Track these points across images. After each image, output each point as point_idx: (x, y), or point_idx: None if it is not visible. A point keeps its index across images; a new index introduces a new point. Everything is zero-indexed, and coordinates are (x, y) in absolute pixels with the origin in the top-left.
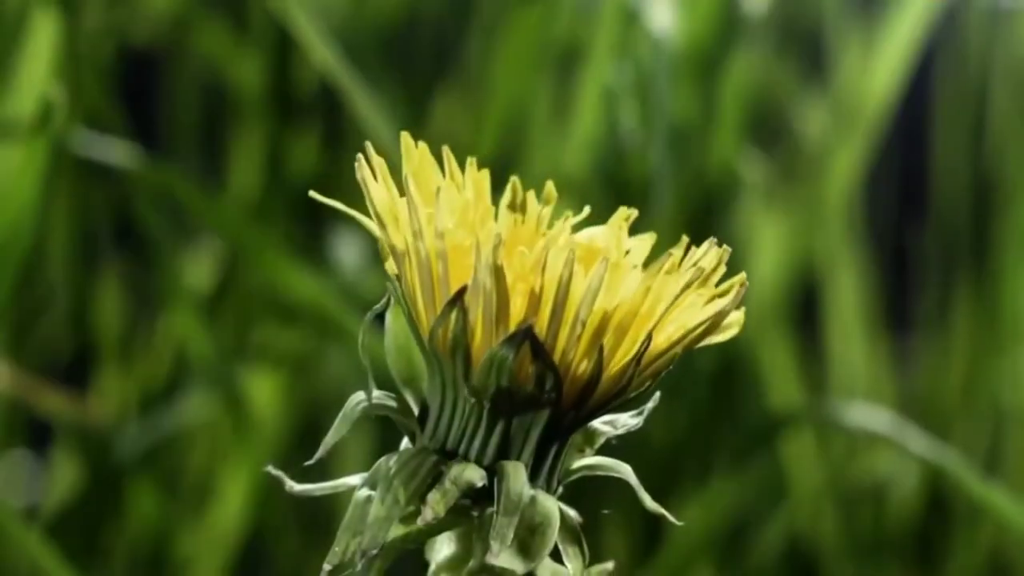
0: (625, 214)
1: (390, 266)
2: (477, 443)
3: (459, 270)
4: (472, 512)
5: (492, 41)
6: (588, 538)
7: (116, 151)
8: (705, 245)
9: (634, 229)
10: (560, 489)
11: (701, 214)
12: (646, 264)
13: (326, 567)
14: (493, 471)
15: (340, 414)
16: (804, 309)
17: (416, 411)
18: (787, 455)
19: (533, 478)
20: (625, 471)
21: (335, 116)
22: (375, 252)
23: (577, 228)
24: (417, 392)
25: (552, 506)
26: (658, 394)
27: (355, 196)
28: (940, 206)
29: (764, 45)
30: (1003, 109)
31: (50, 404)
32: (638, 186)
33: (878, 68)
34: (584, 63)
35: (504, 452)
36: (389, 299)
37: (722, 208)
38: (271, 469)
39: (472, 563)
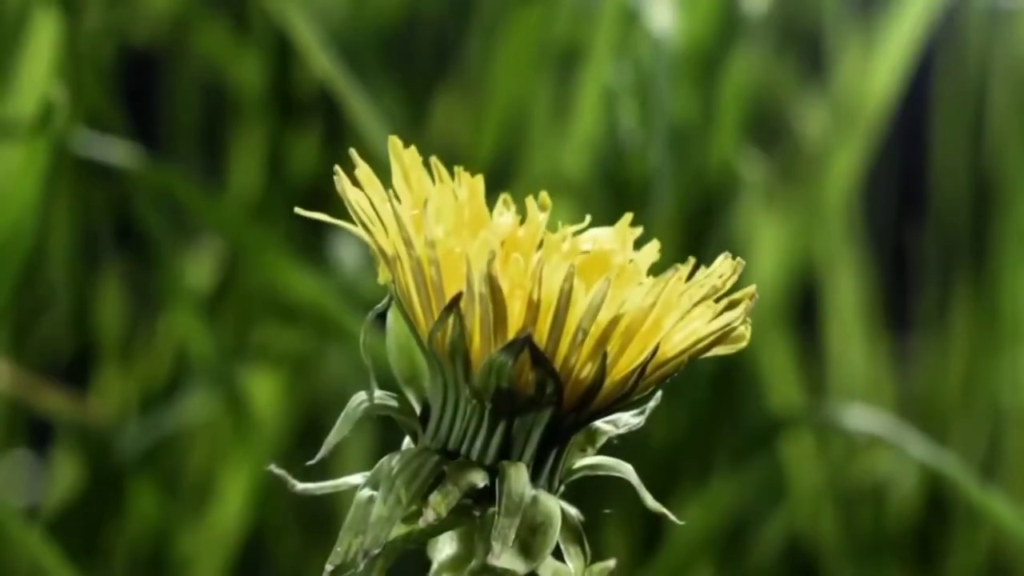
0: (630, 220)
1: (383, 272)
2: (479, 443)
3: (453, 274)
4: (474, 512)
5: (492, 41)
6: (588, 537)
7: (117, 151)
8: (720, 259)
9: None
10: (562, 488)
11: (701, 214)
12: (650, 270)
13: (328, 567)
14: (495, 471)
15: (342, 414)
16: (803, 309)
17: (418, 411)
18: (787, 455)
19: (535, 478)
20: (627, 471)
21: (335, 116)
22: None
23: (579, 232)
24: (419, 391)
25: (554, 506)
26: (659, 393)
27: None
28: (939, 206)
29: (764, 45)
30: (1002, 109)
31: (51, 404)
32: (638, 186)
33: (878, 68)
34: (584, 63)
35: (506, 452)
36: (390, 299)
37: (722, 208)
38: (273, 468)
39: (474, 563)
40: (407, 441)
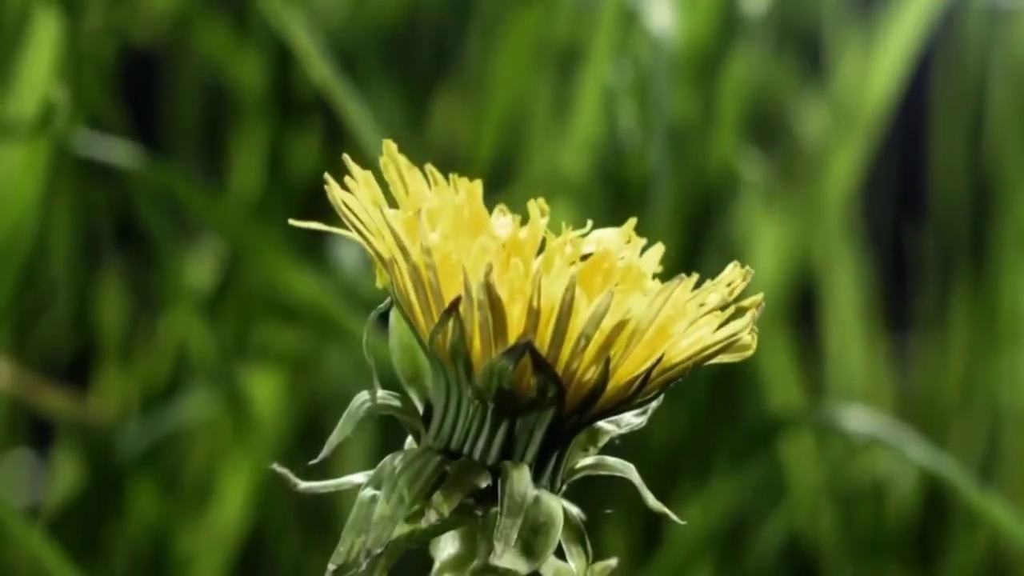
0: (634, 224)
1: (381, 275)
2: (481, 443)
3: (452, 277)
4: (476, 511)
5: (492, 41)
6: (588, 537)
7: (117, 151)
8: (729, 267)
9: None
10: (564, 488)
11: (700, 214)
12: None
13: (331, 566)
14: (497, 471)
15: (344, 413)
16: (803, 308)
17: (421, 410)
18: (786, 454)
19: (537, 478)
20: (629, 471)
21: (336, 116)
22: None
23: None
24: (422, 391)
25: (556, 506)
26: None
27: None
28: (938, 206)
29: (763, 45)
30: (1001, 109)
31: (51, 403)
32: (637, 186)
33: (877, 68)
34: (584, 63)
35: (508, 452)
36: (392, 299)
37: (721, 208)
38: (276, 467)
39: (476, 562)
40: (409, 441)
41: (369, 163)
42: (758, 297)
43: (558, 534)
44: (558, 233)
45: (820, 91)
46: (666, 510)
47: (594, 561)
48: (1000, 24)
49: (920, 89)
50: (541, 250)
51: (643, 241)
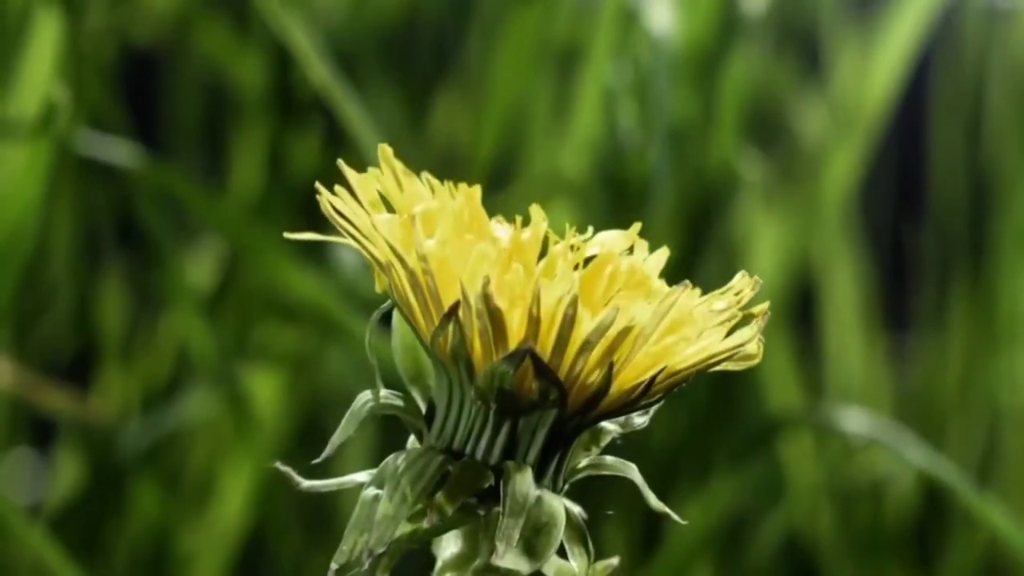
0: (638, 228)
1: (380, 280)
2: (483, 443)
3: (450, 283)
4: (478, 511)
5: (492, 41)
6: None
7: (118, 151)
8: (738, 276)
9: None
10: (566, 487)
11: (700, 213)
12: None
13: (334, 565)
14: (499, 471)
15: (348, 413)
16: (802, 308)
17: (423, 410)
18: (785, 454)
19: (539, 477)
20: (631, 471)
21: (336, 116)
22: None
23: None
24: (424, 390)
25: (558, 506)
26: None
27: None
28: (937, 205)
29: (762, 45)
30: (1000, 109)
31: (53, 402)
32: (637, 185)
33: (876, 68)
34: (584, 63)
35: (510, 452)
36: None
37: (721, 207)
38: (279, 465)
39: (478, 562)
40: (412, 440)
41: (368, 165)
42: (764, 306)
43: (560, 534)
44: (560, 234)
45: (819, 91)
46: (668, 510)
47: (595, 560)
48: (999, 24)
49: (919, 89)
50: (543, 254)
51: (646, 244)
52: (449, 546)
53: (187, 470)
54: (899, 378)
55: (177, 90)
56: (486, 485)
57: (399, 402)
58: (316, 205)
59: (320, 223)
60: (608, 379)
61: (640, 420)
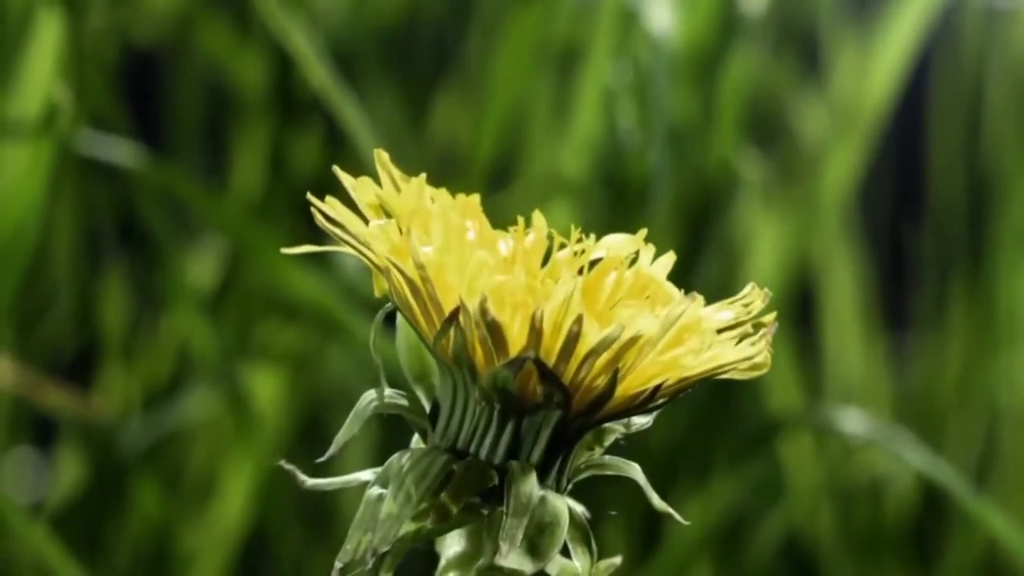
0: (644, 234)
1: (379, 284)
2: (488, 442)
3: (449, 290)
4: (482, 510)
5: (492, 41)
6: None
7: (119, 150)
8: (747, 288)
9: (632, 229)
10: (569, 487)
11: (699, 213)
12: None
13: (337, 564)
14: (503, 470)
15: (352, 412)
16: (801, 307)
17: (427, 409)
18: (785, 453)
19: (543, 477)
20: (634, 471)
21: (336, 116)
22: None
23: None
24: (429, 389)
25: (562, 506)
26: None
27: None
28: (936, 205)
29: (762, 45)
30: (999, 108)
31: (54, 401)
32: (637, 185)
33: (875, 68)
34: (584, 63)
35: (514, 452)
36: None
37: (720, 207)
38: (284, 464)
39: (482, 561)
40: (416, 439)
41: (366, 168)
42: (772, 315)
43: (563, 534)
44: (561, 235)
45: (819, 91)
46: (670, 510)
47: (598, 559)
48: (998, 24)
49: (918, 89)
50: (547, 256)
51: (653, 248)
52: (453, 545)
53: (188, 469)
54: (898, 377)
55: (178, 90)
56: (490, 485)
57: (403, 401)
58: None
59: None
60: (613, 384)
61: (643, 420)
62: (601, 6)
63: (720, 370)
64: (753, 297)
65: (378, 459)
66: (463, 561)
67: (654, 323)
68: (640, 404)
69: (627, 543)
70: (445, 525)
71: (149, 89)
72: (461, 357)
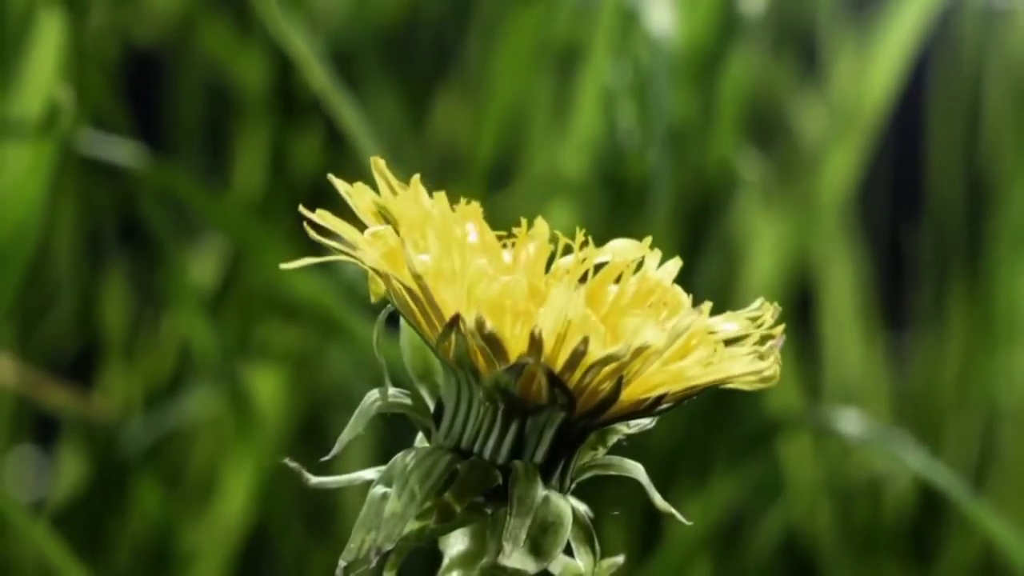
0: (649, 243)
1: (375, 287)
2: (491, 442)
3: (449, 296)
4: (486, 509)
5: (492, 41)
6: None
7: (121, 150)
8: (757, 301)
9: (632, 228)
10: (572, 486)
11: (699, 213)
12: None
13: (341, 563)
14: (507, 470)
15: (356, 411)
16: (801, 306)
17: (431, 407)
18: (784, 452)
19: (546, 477)
20: (637, 471)
21: (336, 117)
22: None
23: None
24: (433, 388)
25: (565, 506)
26: None
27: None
28: (935, 205)
29: (761, 45)
30: (997, 108)
31: (56, 400)
32: (636, 185)
33: (874, 68)
34: (583, 63)
35: (518, 451)
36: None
37: (720, 207)
38: (288, 462)
39: (485, 560)
40: (420, 438)
41: (365, 171)
42: (779, 328)
43: (567, 534)
44: (564, 235)
45: (818, 91)
46: (672, 510)
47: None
48: (996, 24)
49: (917, 88)
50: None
51: (659, 253)
52: (456, 544)
53: (189, 468)
54: (897, 376)
55: (179, 90)
56: (494, 484)
57: (407, 400)
58: (317, 205)
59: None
60: (617, 390)
61: (646, 420)
62: (601, 6)
63: (727, 381)
64: (762, 310)
65: (378, 458)
66: (466, 560)
67: (660, 335)
68: (645, 410)
69: (627, 542)
70: (449, 524)
71: (150, 89)
72: (463, 361)
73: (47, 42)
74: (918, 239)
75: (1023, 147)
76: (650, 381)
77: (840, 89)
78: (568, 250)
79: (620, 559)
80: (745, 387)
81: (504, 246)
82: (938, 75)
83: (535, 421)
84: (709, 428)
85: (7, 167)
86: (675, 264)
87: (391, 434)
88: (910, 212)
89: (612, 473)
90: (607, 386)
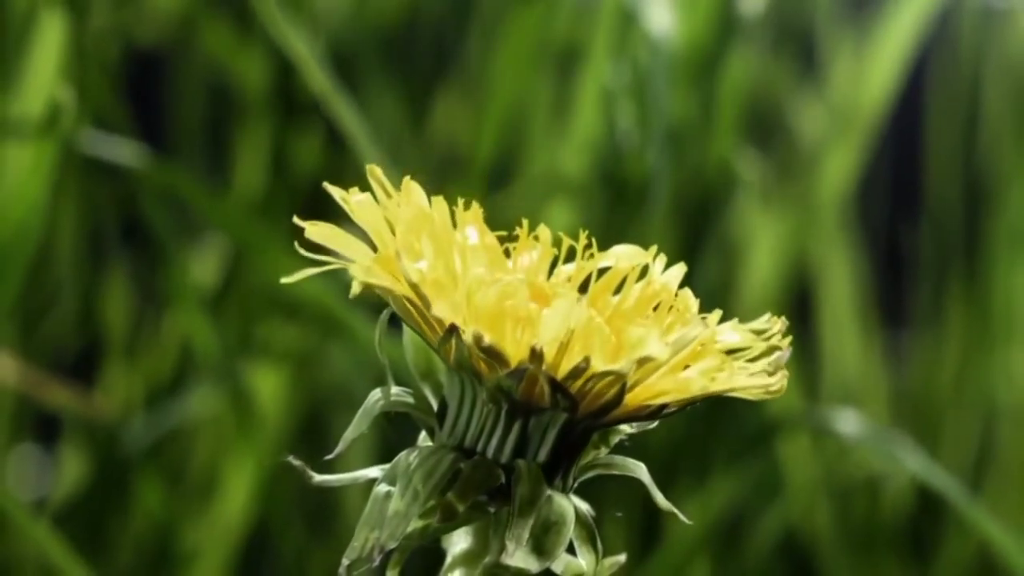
0: (655, 252)
1: (356, 286)
2: (495, 441)
3: (447, 301)
4: (489, 508)
5: (492, 41)
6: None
7: (122, 150)
8: (765, 317)
9: (631, 228)
10: (575, 485)
11: (698, 212)
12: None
13: (345, 561)
14: (510, 469)
15: (360, 409)
16: (799, 305)
17: (435, 407)
18: (783, 451)
19: (549, 477)
20: (640, 471)
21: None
22: None
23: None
24: (436, 386)
25: (567, 505)
26: None
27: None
28: (933, 205)
29: (760, 45)
30: (995, 108)
31: (58, 399)
32: (636, 185)
33: (873, 68)
34: (583, 63)
35: (521, 451)
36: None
37: (719, 207)
38: (292, 459)
39: (488, 559)
40: (423, 436)
41: (365, 171)
42: (787, 340)
43: (569, 533)
44: (569, 235)
45: (817, 91)
46: (674, 509)
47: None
48: (995, 24)
49: (916, 88)
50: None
51: (665, 258)
52: (459, 542)
53: (190, 466)
54: (895, 375)
55: (180, 90)
56: (497, 483)
57: (411, 399)
58: (318, 204)
59: (324, 220)
60: (621, 395)
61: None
62: (601, 6)
63: (734, 392)
64: (771, 325)
65: (379, 457)
66: (469, 558)
67: (663, 349)
68: (648, 415)
69: (626, 541)
70: (452, 523)
71: (151, 89)
72: (464, 364)
73: (49, 42)
74: (916, 239)
75: (1021, 147)
76: (654, 388)
77: (839, 89)
78: (571, 252)
79: (622, 558)
80: (750, 397)
81: (505, 247)
82: (937, 75)
83: (538, 421)
84: (708, 428)
85: (9, 167)
86: (679, 269)
87: (392, 433)
88: (909, 212)
89: (615, 472)
90: (611, 392)
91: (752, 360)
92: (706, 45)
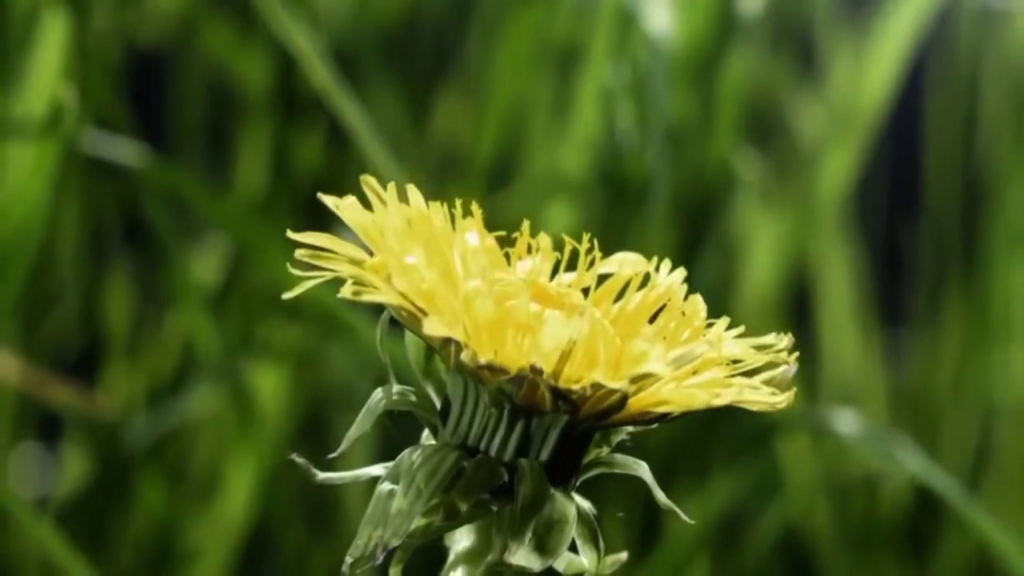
0: (658, 260)
1: (346, 288)
2: (498, 440)
3: (444, 308)
4: (491, 507)
5: (492, 41)
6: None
7: (124, 150)
8: (773, 335)
9: (631, 228)
10: (577, 484)
11: (697, 212)
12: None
13: (348, 559)
14: (513, 467)
15: (363, 408)
16: (798, 305)
17: (437, 404)
18: (782, 450)
19: (551, 475)
20: (642, 470)
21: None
22: None
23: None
24: (439, 384)
25: (569, 504)
26: None
27: (358, 193)
28: (932, 204)
29: (759, 45)
30: (994, 109)
31: (59, 397)
32: (635, 185)
33: (872, 68)
34: (583, 63)
35: (524, 450)
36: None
37: (718, 206)
38: (295, 457)
39: (490, 557)
40: (426, 435)
41: (368, 168)
42: (792, 357)
43: (571, 532)
44: (568, 234)
45: (816, 91)
46: (675, 508)
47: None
48: (993, 24)
49: (914, 88)
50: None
51: (668, 263)
52: (462, 541)
53: (192, 465)
54: (894, 374)
55: (182, 90)
56: (500, 482)
57: (414, 398)
58: (319, 204)
59: (323, 221)
60: (623, 402)
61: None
62: (601, 6)
63: (738, 403)
64: (778, 342)
65: (379, 455)
66: (472, 557)
67: (664, 367)
68: (651, 420)
69: (626, 539)
70: (455, 521)
71: (153, 89)
72: (464, 368)
73: (51, 42)
74: (915, 238)
75: (1020, 147)
76: (657, 394)
77: (838, 89)
78: (572, 255)
79: (624, 556)
80: (753, 407)
81: (505, 251)
82: (935, 75)
83: (540, 421)
84: (708, 427)
85: (11, 167)
86: (680, 274)
87: (396, 431)
88: (907, 211)
89: (616, 471)
90: (612, 399)
91: (757, 372)
92: (705, 45)
